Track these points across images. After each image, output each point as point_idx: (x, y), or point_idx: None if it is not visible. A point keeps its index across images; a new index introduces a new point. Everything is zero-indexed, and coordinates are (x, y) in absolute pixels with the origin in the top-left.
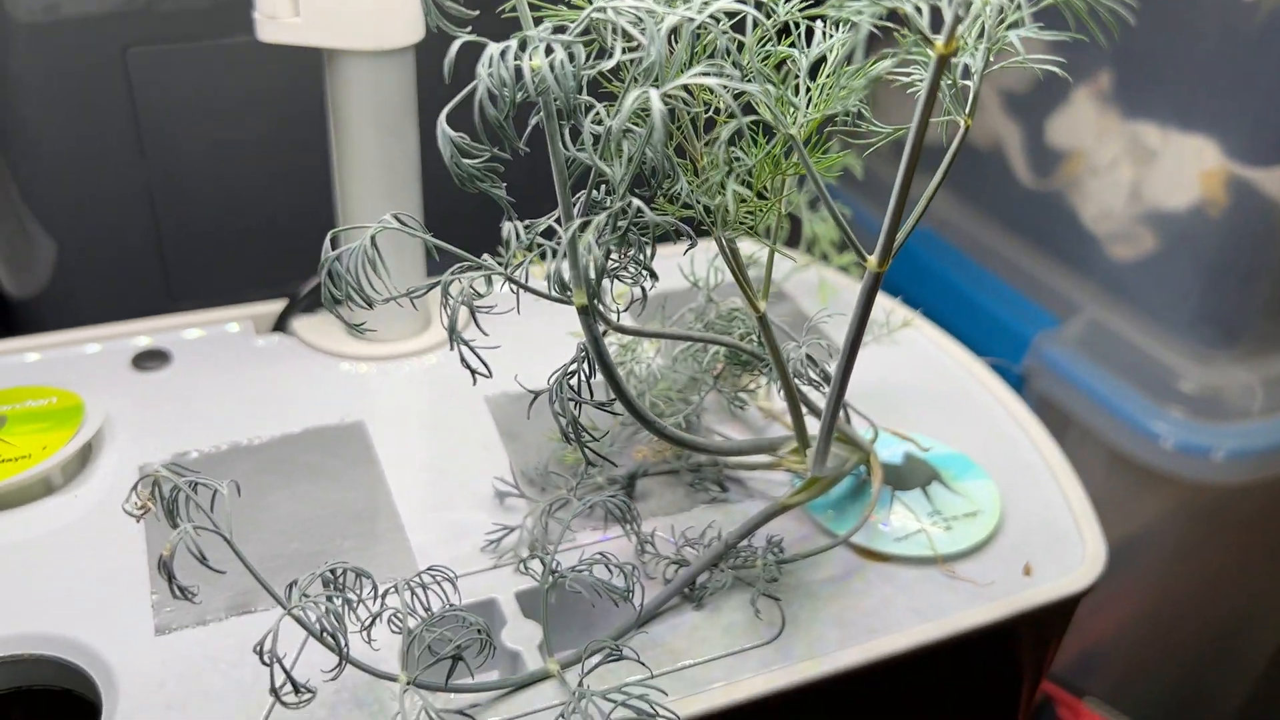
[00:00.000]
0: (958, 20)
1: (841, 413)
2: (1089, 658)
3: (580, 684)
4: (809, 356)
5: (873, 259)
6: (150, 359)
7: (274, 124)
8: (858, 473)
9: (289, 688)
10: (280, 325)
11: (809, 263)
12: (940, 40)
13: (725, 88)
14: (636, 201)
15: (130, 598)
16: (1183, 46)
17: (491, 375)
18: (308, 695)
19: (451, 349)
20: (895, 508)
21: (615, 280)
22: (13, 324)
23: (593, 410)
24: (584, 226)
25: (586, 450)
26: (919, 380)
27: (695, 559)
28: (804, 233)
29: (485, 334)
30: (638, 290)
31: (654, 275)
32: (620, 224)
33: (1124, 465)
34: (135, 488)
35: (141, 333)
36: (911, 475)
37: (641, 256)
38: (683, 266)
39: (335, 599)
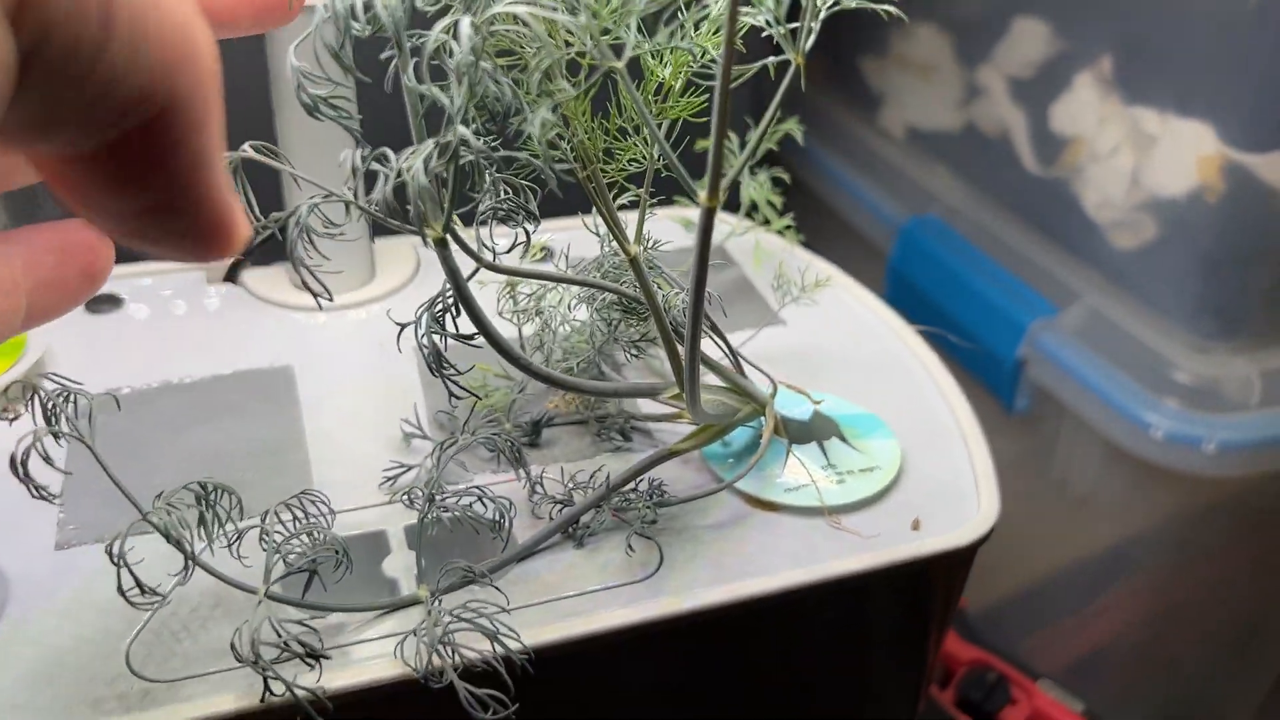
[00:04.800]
0: None
1: (736, 365)
2: (1088, 662)
3: (436, 604)
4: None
5: (703, 194)
6: (103, 302)
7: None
8: (758, 425)
9: (138, 590)
10: (230, 276)
11: (749, 228)
12: None
13: (536, 17)
14: (463, 131)
15: (38, 517)
16: (1181, 31)
17: (332, 298)
18: (155, 598)
19: (296, 271)
20: (791, 460)
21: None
22: None
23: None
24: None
25: (449, 383)
26: (845, 344)
27: (582, 501)
28: (742, 198)
29: (327, 258)
30: (521, 233)
31: (533, 217)
32: (454, 154)
33: (1118, 458)
34: (4, 390)
35: None
36: (814, 431)
37: (521, 199)
38: (586, 222)
39: (196, 508)
